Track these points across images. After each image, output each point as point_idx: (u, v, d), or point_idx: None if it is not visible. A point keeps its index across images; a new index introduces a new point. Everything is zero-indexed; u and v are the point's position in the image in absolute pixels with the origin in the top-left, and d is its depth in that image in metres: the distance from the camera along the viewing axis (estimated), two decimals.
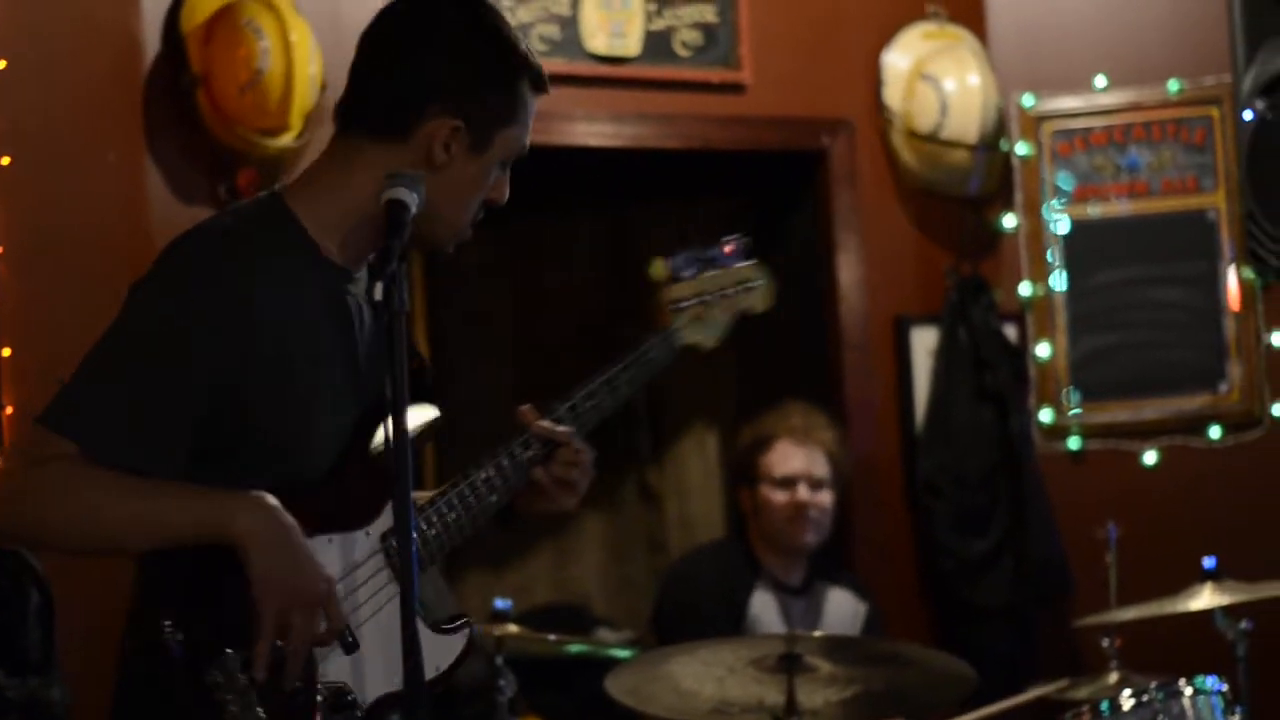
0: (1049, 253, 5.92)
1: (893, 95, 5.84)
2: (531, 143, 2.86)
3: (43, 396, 2.69)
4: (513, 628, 4.58)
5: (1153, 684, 4.35)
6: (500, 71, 2.79)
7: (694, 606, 5.05)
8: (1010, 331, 5.89)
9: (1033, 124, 5.95)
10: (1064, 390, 5.88)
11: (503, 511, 2.95)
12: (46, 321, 4.37)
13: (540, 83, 2.84)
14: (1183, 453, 5.88)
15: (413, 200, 2.60)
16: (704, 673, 4.18)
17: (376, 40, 2.82)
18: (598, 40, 5.45)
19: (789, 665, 4.10)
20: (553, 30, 5.38)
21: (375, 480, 2.69)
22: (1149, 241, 5.90)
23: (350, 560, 2.71)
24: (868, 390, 5.82)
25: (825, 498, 5.10)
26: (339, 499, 2.73)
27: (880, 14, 5.87)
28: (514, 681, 4.54)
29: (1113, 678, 4.68)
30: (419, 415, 2.78)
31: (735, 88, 5.62)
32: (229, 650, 2.58)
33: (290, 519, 2.61)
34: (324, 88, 4.77)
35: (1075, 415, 5.86)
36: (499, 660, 4.52)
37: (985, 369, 5.80)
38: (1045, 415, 5.88)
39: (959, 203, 5.90)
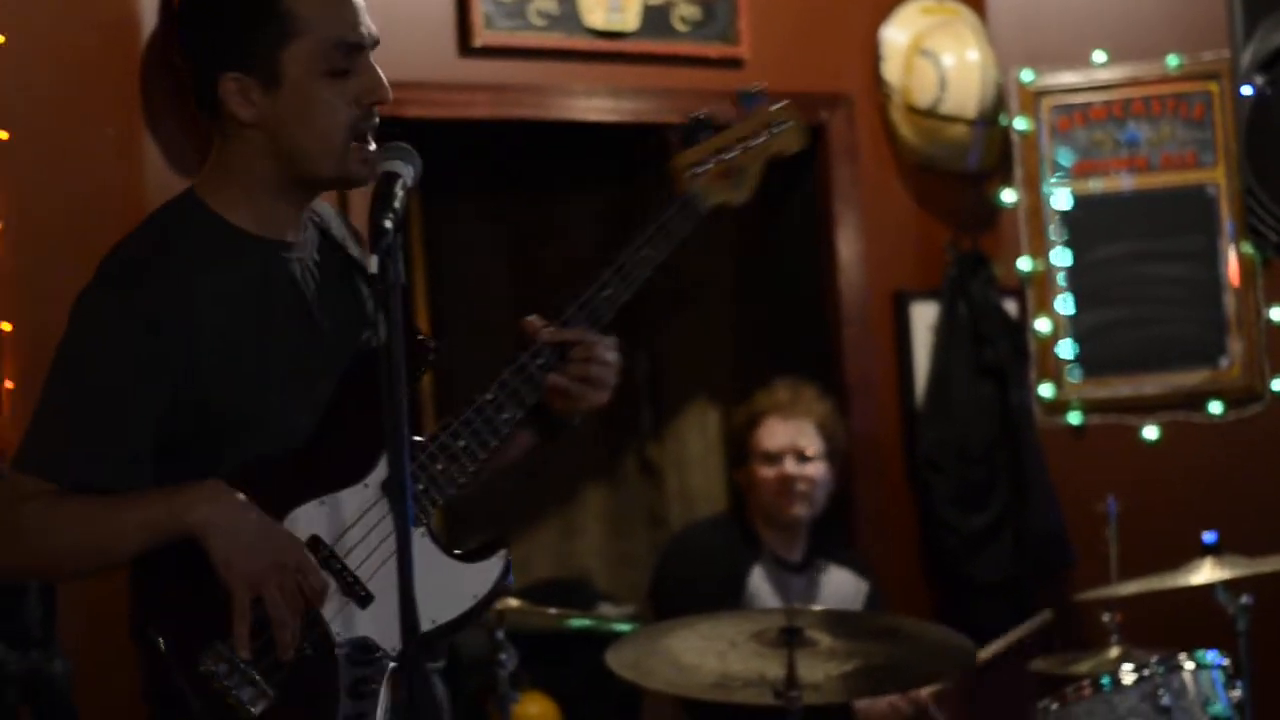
0: (1048, 228, 5.92)
1: (891, 70, 5.82)
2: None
3: (42, 370, 2.72)
4: (514, 602, 4.58)
5: (1153, 658, 4.38)
6: (238, 7, 2.73)
7: (691, 580, 5.03)
8: (1010, 306, 5.89)
9: (1032, 99, 5.94)
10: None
11: (542, 422, 2.91)
12: (46, 296, 4.35)
13: None
14: (1183, 428, 5.88)
15: (407, 172, 2.62)
16: (705, 647, 4.19)
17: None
18: (596, 15, 5.43)
19: (789, 639, 4.11)
20: (551, 5, 5.36)
21: (367, 433, 2.68)
22: (1149, 217, 5.90)
23: (346, 517, 2.72)
24: (867, 365, 5.81)
25: (813, 470, 5.07)
26: (328, 460, 2.74)
27: None
28: (515, 655, 4.55)
29: (1113, 652, 4.68)
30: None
31: (734, 63, 5.60)
32: (216, 641, 2.61)
33: (242, 498, 2.63)
34: None
35: (1073, 384, 5.87)
36: (500, 634, 4.52)
37: (985, 344, 5.79)
38: (1045, 390, 5.88)
39: (958, 178, 5.89)
